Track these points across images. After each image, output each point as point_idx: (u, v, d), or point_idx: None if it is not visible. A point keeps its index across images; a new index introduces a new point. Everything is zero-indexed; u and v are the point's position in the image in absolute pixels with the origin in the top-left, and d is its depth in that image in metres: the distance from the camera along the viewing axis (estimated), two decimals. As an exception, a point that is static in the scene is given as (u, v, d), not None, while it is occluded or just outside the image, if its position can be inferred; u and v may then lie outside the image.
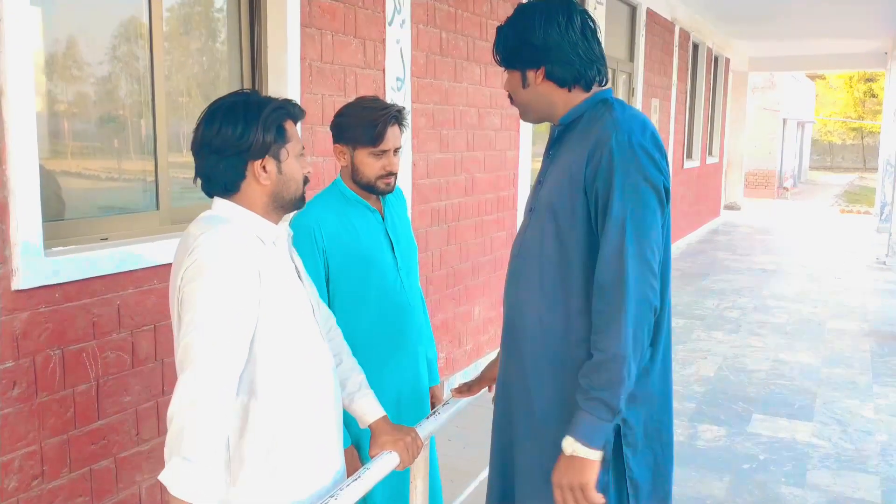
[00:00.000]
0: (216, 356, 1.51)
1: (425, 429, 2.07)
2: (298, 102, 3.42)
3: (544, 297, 1.82)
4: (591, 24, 1.85)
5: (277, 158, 1.66)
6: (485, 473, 2.19)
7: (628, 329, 1.66)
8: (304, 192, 1.75)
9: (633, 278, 1.66)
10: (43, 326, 2.42)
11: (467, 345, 5.28)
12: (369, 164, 2.22)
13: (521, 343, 1.88)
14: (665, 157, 1.77)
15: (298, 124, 1.75)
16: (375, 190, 2.27)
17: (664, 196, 1.74)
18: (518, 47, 1.84)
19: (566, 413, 1.77)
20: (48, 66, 2.67)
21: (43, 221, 2.41)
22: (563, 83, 1.84)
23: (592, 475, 1.69)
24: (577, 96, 1.85)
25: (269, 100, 1.67)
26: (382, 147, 2.21)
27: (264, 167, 1.64)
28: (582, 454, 1.69)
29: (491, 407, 2.08)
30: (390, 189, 2.28)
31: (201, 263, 1.54)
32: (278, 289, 1.65)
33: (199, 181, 1.69)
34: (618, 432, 1.79)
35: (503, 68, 1.90)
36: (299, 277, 1.77)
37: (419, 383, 2.42)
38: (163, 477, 1.47)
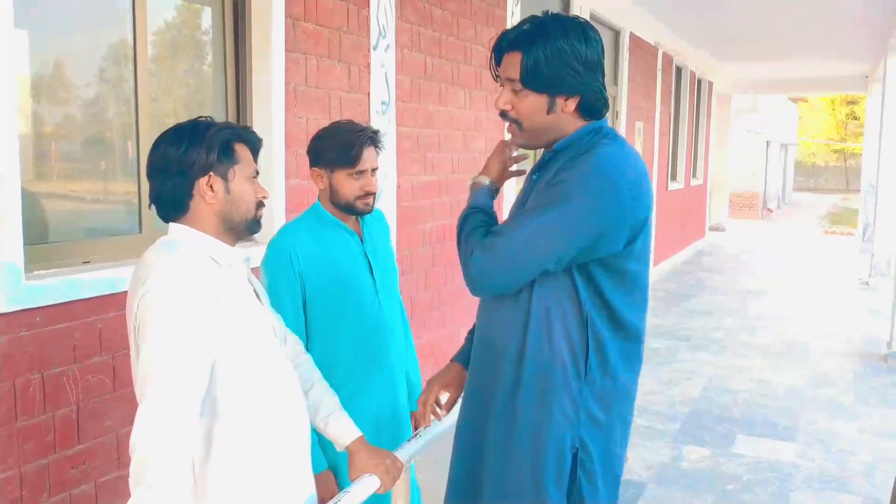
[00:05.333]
0: (175, 383, 1.50)
1: (407, 451, 2.06)
2: (283, 127, 3.48)
3: (523, 316, 1.79)
4: None
5: (224, 178, 1.67)
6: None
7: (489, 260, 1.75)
8: (256, 216, 1.74)
9: (519, 241, 1.71)
10: (23, 350, 2.41)
11: (453, 367, 5.26)
12: (348, 185, 2.25)
13: (500, 364, 1.85)
14: (645, 192, 1.72)
15: (258, 154, 1.76)
16: (355, 210, 2.28)
17: (632, 229, 1.71)
18: (558, 70, 1.69)
19: (543, 435, 1.78)
20: (33, 89, 2.68)
21: (25, 245, 2.41)
22: (593, 114, 1.76)
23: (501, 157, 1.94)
24: (581, 124, 1.78)
25: (218, 122, 1.70)
26: (360, 168, 2.24)
27: (211, 186, 1.65)
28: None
29: None
30: (369, 209, 2.30)
31: (156, 290, 1.54)
32: (236, 311, 1.64)
33: (153, 207, 1.71)
34: (575, 455, 1.78)
35: (528, 89, 1.73)
36: (259, 301, 1.77)
37: (398, 406, 2.42)
38: None
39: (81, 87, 2.88)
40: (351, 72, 3.97)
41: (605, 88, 1.78)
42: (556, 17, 1.75)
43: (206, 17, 3.41)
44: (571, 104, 1.73)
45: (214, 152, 1.64)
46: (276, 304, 2.18)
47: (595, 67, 1.72)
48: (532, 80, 1.71)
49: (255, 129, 3.44)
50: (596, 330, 1.76)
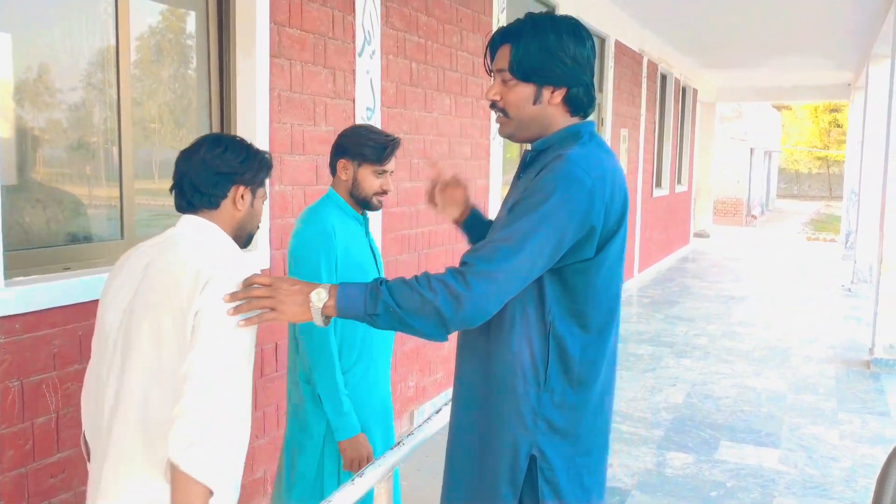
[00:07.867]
0: (245, 377, 1.66)
1: (390, 459, 2.06)
2: (267, 133, 3.47)
3: (492, 321, 1.78)
4: None
5: (254, 195, 1.87)
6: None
7: (452, 302, 1.60)
8: (253, 236, 1.95)
9: (490, 281, 1.61)
10: (2, 357, 2.38)
11: (437, 373, 5.26)
12: (370, 181, 2.47)
13: (473, 365, 1.87)
14: (610, 198, 1.70)
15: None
16: (370, 205, 2.50)
17: (603, 234, 1.70)
18: (545, 61, 1.73)
19: (497, 436, 1.80)
20: (16, 92, 2.66)
21: (5, 251, 2.39)
22: (579, 109, 1.80)
23: (298, 298, 1.62)
24: (567, 123, 1.80)
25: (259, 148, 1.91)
26: (385, 167, 2.48)
27: (243, 196, 1.84)
28: (315, 301, 1.61)
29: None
30: (380, 207, 2.52)
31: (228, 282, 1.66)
32: None
33: (174, 192, 1.83)
34: (532, 464, 1.77)
35: (516, 79, 1.76)
36: None
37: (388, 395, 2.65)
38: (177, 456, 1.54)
39: (64, 91, 2.86)
40: (336, 78, 3.96)
41: (593, 87, 1.81)
42: (549, 14, 1.80)
43: (191, 22, 3.40)
44: (558, 96, 1.77)
45: (264, 172, 1.89)
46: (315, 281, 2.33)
47: (583, 64, 1.76)
48: (520, 69, 1.75)
49: (240, 134, 3.44)
50: (559, 338, 1.75)
